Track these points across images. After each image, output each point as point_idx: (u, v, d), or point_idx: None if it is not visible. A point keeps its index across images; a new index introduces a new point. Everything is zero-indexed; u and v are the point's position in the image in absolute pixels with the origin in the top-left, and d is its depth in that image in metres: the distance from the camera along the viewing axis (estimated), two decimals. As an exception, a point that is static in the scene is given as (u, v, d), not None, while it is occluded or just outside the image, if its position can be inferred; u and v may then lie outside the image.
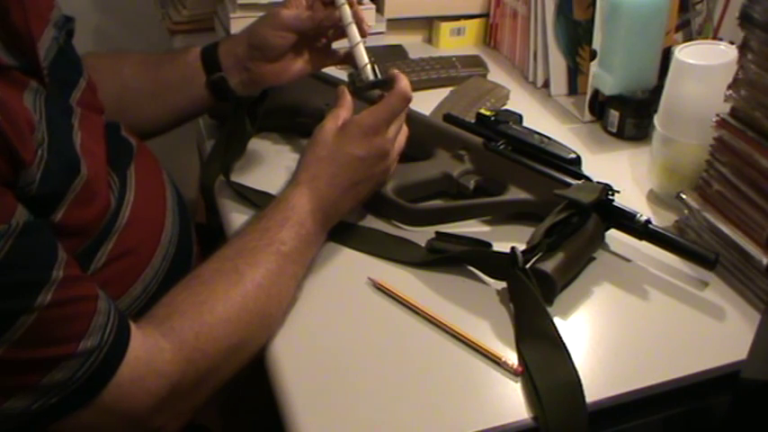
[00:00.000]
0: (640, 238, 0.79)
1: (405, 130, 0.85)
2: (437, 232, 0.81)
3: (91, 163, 0.68)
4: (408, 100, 0.81)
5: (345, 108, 0.82)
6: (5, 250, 0.53)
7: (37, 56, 0.68)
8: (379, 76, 0.84)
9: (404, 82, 0.81)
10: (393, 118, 0.80)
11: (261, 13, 1.16)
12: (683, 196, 0.83)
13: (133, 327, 0.62)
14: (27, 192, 0.59)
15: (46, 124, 0.64)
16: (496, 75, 1.21)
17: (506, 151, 0.87)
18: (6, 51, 0.64)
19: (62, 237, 0.61)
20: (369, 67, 0.84)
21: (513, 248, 0.73)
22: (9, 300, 0.54)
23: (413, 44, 1.29)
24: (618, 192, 0.80)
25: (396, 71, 0.82)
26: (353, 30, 0.84)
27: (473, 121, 0.92)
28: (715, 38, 1.03)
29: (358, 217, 0.85)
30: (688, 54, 0.84)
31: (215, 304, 0.66)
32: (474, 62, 1.21)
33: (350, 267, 0.79)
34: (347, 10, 0.84)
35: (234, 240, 0.74)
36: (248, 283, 0.69)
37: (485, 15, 1.31)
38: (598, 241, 0.80)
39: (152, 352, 0.62)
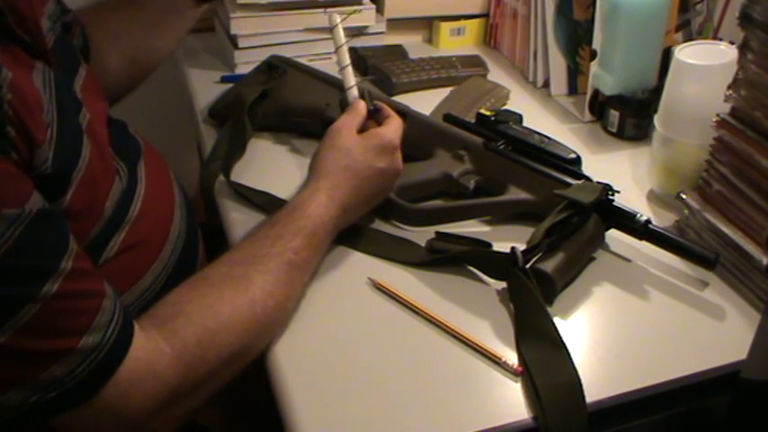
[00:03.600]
0: (640, 238, 0.79)
1: None
2: (437, 232, 0.81)
3: (94, 143, 0.69)
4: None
5: (360, 117, 0.83)
6: (16, 235, 0.53)
7: (42, 36, 0.68)
8: (373, 101, 0.86)
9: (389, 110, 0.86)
10: (401, 135, 0.83)
11: (261, 13, 1.17)
12: (683, 196, 0.83)
13: (136, 327, 0.62)
14: (43, 171, 0.59)
15: (55, 103, 0.64)
16: (496, 75, 1.21)
17: (506, 151, 0.87)
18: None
19: (73, 219, 0.62)
20: (355, 89, 0.86)
21: (513, 248, 0.73)
22: (15, 286, 0.54)
23: (413, 44, 1.28)
24: (618, 192, 0.80)
25: (380, 103, 0.86)
26: (344, 52, 0.85)
27: (473, 121, 0.92)
28: (715, 38, 1.03)
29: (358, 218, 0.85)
30: (688, 54, 0.84)
31: (221, 310, 0.66)
32: (474, 62, 1.21)
33: (350, 267, 0.79)
34: (340, 32, 0.85)
35: (245, 244, 0.74)
36: (258, 291, 0.68)
37: (485, 15, 1.31)
38: (598, 241, 0.80)
39: (152, 355, 0.61)
